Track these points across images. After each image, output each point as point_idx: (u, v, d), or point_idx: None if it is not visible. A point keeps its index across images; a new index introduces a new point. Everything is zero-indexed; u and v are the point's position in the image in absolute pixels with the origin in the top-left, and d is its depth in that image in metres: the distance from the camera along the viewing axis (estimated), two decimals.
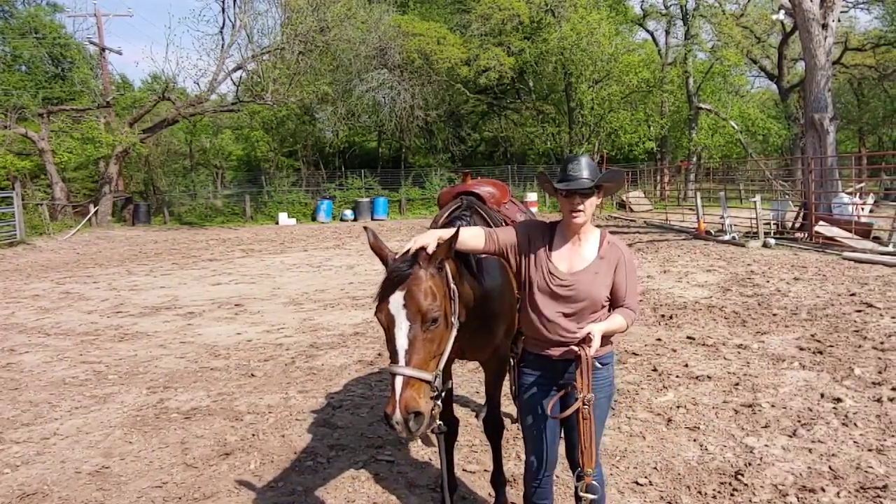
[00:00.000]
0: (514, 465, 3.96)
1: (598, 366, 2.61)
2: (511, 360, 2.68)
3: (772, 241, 13.11)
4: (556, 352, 2.62)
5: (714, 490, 3.55)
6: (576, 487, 2.59)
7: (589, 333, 2.46)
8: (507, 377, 3.53)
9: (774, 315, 7.36)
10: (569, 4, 27.78)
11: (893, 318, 6.92)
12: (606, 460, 3.95)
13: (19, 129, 23.85)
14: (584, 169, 2.55)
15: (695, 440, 4.19)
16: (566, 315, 2.59)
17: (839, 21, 20.70)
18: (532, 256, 2.68)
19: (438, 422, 2.57)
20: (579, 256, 2.63)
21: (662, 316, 7.66)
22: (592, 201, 2.59)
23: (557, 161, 28.87)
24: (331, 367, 6.22)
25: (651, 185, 31.12)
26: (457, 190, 3.69)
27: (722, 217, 15.28)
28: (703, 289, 9.23)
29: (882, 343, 5.98)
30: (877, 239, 12.31)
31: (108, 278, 12.82)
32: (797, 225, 14.96)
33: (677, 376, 5.43)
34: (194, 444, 4.50)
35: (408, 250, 2.53)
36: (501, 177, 29.30)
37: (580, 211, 2.55)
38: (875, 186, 22.55)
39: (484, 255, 2.98)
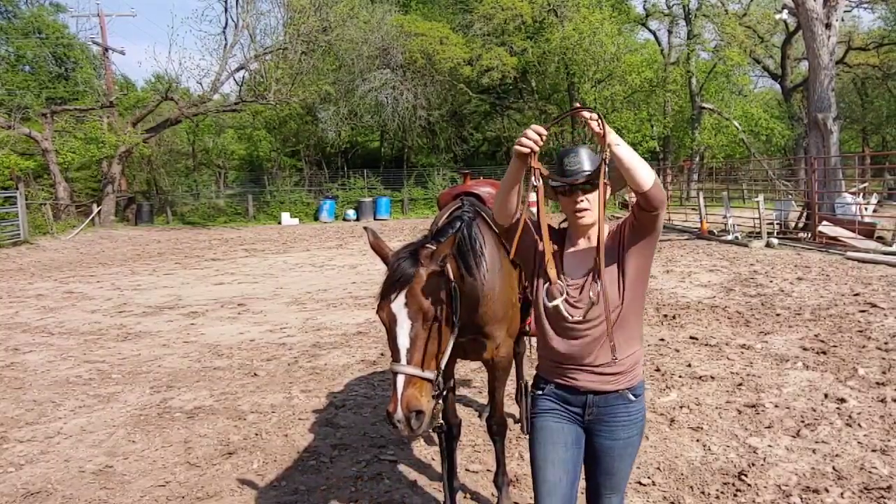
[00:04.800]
0: (517, 465, 3.95)
1: (632, 398, 2.21)
2: (525, 387, 2.37)
3: (775, 240, 13.08)
4: (581, 380, 2.20)
5: (717, 490, 3.54)
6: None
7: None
8: (509, 377, 3.52)
9: (778, 315, 7.34)
10: (571, 4, 27.76)
11: None
12: None
13: (23, 129, 23.90)
14: (584, 161, 2.18)
15: (698, 440, 4.18)
16: (591, 329, 2.16)
17: (842, 20, 20.67)
18: (540, 275, 2.27)
19: (440, 421, 2.57)
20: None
21: (665, 316, 7.65)
22: (597, 196, 2.16)
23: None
24: (334, 367, 6.23)
25: None
26: (456, 191, 3.71)
27: (725, 217, 15.25)
28: (706, 289, 9.21)
29: (886, 343, 5.97)
30: (880, 239, 12.27)
31: (112, 278, 12.84)
32: (800, 225, 14.93)
33: (680, 376, 5.42)
34: (197, 443, 4.51)
35: (409, 244, 2.54)
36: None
37: (585, 209, 2.17)
38: (878, 186, 22.49)
39: (486, 255, 2.98)
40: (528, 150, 2.04)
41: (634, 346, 2.23)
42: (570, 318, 2.15)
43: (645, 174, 2.00)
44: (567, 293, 2.18)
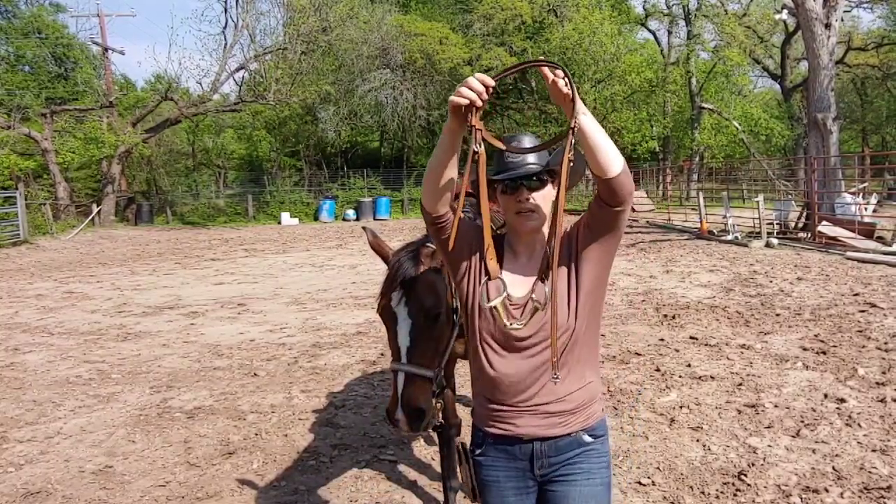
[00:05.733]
0: None
1: (589, 439, 1.82)
2: (464, 450, 1.97)
3: (775, 241, 13.08)
4: (522, 425, 1.80)
5: (717, 490, 3.54)
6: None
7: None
8: None
9: (777, 315, 7.34)
10: (571, 4, 27.79)
11: None
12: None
13: (23, 130, 23.93)
14: (527, 153, 1.82)
15: (698, 440, 4.18)
16: (538, 365, 1.77)
17: (842, 20, 20.67)
18: (474, 282, 1.84)
19: (440, 420, 2.57)
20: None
21: (665, 316, 7.65)
22: (546, 195, 1.81)
23: None
24: (333, 367, 6.23)
25: (654, 184, 31.07)
26: (456, 191, 3.70)
27: (725, 217, 15.25)
28: (706, 289, 9.21)
29: (886, 343, 5.97)
30: (880, 239, 12.27)
31: (112, 278, 12.84)
32: (800, 225, 14.93)
33: (680, 376, 5.42)
34: (197, 443, 4.51)
35: (409, 244, 2.53)
36: None
37: (530, 210, 1.79)
38: (878, 186, 22.51)
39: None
40: (466, 103, 1.60)
41: (589, 376, 1.83)
42: (508, 325, 1.75)
43: (613, 156, 1.62)
44: (509, 311, 1.78)
